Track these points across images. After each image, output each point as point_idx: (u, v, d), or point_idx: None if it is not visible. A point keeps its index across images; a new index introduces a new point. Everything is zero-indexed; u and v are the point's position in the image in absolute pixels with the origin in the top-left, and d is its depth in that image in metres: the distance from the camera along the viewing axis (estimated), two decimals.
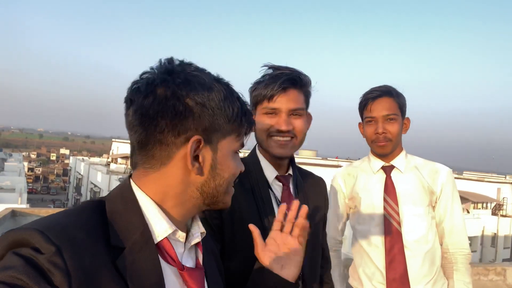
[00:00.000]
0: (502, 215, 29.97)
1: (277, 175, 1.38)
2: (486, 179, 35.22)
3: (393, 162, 1.86)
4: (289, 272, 0.99)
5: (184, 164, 0.73)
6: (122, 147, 45.90)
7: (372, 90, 1.83)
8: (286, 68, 1.34)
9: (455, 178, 1.93)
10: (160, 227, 0.73)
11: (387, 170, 1.87)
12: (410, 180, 1.84)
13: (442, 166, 1.88)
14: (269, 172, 1.37)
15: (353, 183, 1.93)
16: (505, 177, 40.50)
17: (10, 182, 24.44)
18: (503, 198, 31.61)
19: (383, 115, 1.78)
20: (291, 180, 1.41)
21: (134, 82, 0.75)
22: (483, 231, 28.27)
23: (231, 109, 0.76)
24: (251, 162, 1.39)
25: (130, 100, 0.74)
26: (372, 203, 1.85)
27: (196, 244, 0.81)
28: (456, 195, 1.86)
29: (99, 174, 35.46)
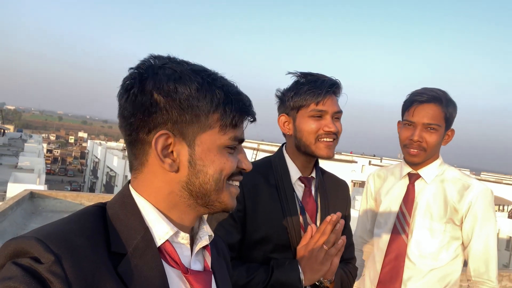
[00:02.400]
0: None
1: (300, 176, 1.42)
2: (504, 181, 34.43)
3: (420, 171, 1.75)
4: (309, 276, 1.17)
5: (160, 161, 0.70)
6: None
7: (421, 93, 1.68)
8: (321, 75, 1.38)
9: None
10: (160, 230, 0.71)
11: (412, 177, 1.77)
12: (433, 192, 1.71)
13: (477, 183, 1.68)
14: (293, 172, 1.42)
15: (381, 185, 1.89)
16: None
17: (30, 163, 25.03)
18: None
19: (424, 122, 1.64)
20: (313, 182, 1.45)
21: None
22: (498, 234, 27.73)
23: (208, 99, 0.70)
24: (277, 160, 1.44)
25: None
26: (390, 209, 1.79)
27: (205, 247, 0.80)
28: (488, 217, 1.65)
29: (115, 159, 36.01)
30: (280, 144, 1.52)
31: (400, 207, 1.75)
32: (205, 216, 0.83)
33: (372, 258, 1.85)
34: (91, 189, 48.11)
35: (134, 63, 0.73)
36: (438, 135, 1.65)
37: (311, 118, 1.35)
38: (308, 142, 1.37)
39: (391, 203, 1.80)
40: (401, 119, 1.78)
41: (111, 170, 37.37)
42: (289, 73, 1.41)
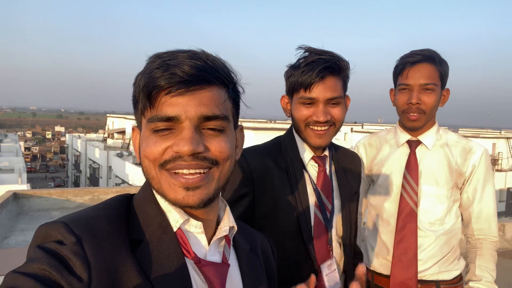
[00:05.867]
0: (497, 170, 30.46)
1: (313, 156, 1.36)
2: (481, 135, 35.54)
3: (420, 137, 1.69)
4: None
5: None
6: (118, 122, 45.53)
7: (413, 54, 1.61)
8: (323, 52, 1.26)
9: None
10: (172, 217, 0.71)
11: (413, 145, 1.70)
12: (436, 158, 1.67)
13: (477, 146, 1.69)
14: (305, 153, 1.35)
15: (375, 154, 1.81)
16: (500, 132, 40.87)
17: (8, 163, 24.42)
18: (498, 153, 31.99)
19: (420, 83, 1.58)
20: (327, 161, 1.38)
21: None
22: None
23: (141, 82, 0.67)
24: (287, 141, 1.37)
25: None
26: (391, 179, 1.72)
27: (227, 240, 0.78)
28: (489, 179, 1.69)
29: (96, 150, 35.43)
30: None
31: (404, 177, 1.69)
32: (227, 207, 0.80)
33: (374, 230, 1.79)
34: (76, 183, 47.45)
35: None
36: (435, 95, 1.60)
37: (302, 105, 1.28)
38: (299, 129, 1.33)
39: (392, 172, 1.72)
40: (393, 87, 1.72)
41: (94, 162, 36.81)
42: (299, 47, 1.29)
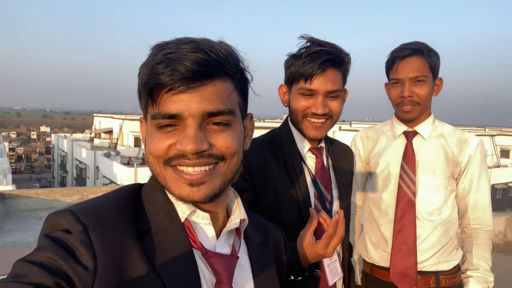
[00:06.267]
0: None
1: (310, 147, 1.36)
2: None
3: (416, 128, 1.73)
4: (307, 259, 1.18)
5: None
6: (104, 122, 45.00)
7: (401, 48, 1.65)
8: (326, 44, 1.25)
9: None
10: (179, 208, 0.71)
11: (409, 136, 1.73)
12: (433, 148, 1.70)
13: (473, 137, 1.72)
14: (303, 144, 1.35)
15: (372, 147, 1.83)
16: (485, 130, 41.54)
17: None
18: None
19: (411, 77, 1.62)
20: (323, 152, 1.40)
21: None
22: None
23: (143, 77, 0.65)
24: (284, 134, 1.37)
25: None
26: (388, 170, 1.75)
27: (238, 233, 0.77)
28: (484, 169, 1.71)
29: (83, 150, 34.95)
30: None
31: (402, 167, 1.71)
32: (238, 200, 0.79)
33: (373, 222, 1.80)
34: (62, 184, 46.73)
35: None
36: (427, 86, 1.63)
37: (301, 96, 1.27)
38: (296, 120, 1.32)
39: (390, 163, 1.75)
40: (387, 81, 1.76)
41: (81, 162, 36.30)
42: (301, 37, 1.27)
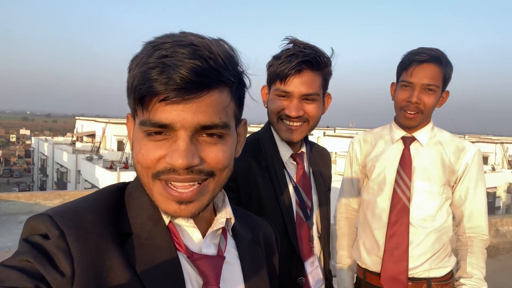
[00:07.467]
0: None
1: (292, 154, 1.34)
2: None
3: (415, 134, 1.70)
4: None
5: None
6: (87, 125, 44.25)
7: (420, 52, 1.60)
8: (307, 46, 1.23)
9: None
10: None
11: (407, 141, 1.71)
12: (430, 155, 1.69)
13: (470, 145, 1.71)
14: (284, 151, 1.33)
15: (369, 150, 1.81)
16: (464, 137, 42.57)
17: None
18: None
19: (423, 83, 1.58)
20: (304, 158, 1.37)
21: None
22: None
23: (135, 78, 0.59)
24: (267, 139, 1.34)
25: None
26: (384, 174, 1.73)
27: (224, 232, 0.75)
28: (481, 178, 1.70)
29: (64, 154, 34.29)
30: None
31: (398, 172, 1.70)
32: (225, 199, 0.77)
33: (367, 227, 1.79)
34: (42, 188, 45.66)
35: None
36: (435, 96, 1.61)
37: (276, 97, 1.26)
38: (272, 121, 1.31)
39: (386, 168, 1.73)
40: (395, 81, 1.71)
41: (62, 166, 35.59)
42: (285, 38, 1.25)
